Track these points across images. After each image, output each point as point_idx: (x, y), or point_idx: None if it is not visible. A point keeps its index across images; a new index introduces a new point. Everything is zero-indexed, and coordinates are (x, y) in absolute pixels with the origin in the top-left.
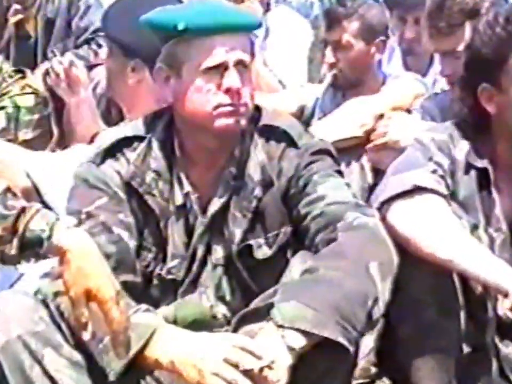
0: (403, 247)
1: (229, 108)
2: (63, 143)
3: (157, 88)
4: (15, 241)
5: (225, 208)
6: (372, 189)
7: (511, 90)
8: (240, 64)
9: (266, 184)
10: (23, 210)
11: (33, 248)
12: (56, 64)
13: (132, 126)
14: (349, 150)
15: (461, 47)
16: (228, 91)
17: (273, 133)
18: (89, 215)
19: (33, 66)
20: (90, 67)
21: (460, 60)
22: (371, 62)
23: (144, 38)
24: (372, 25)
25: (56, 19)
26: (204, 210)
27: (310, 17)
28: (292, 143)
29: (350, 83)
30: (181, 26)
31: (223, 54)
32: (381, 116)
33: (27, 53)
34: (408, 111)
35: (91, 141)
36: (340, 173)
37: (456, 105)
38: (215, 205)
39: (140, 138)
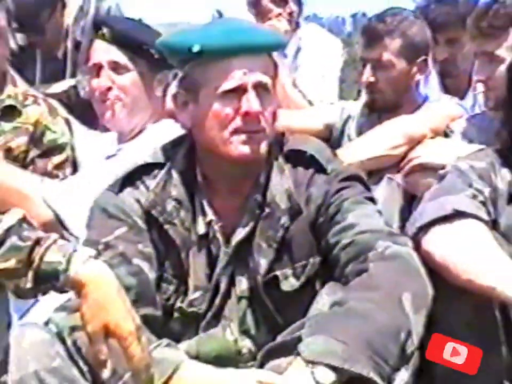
0: (439, 277)
1: (245, 135)
2: None
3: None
4: (30, 274)
5: (250, 237)
6: (405, 217)
7: None
8: (259, 86)
9: (294, 213)
10: (38, 241)
11: (49, 281)
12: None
13: (151, 153)
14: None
15: (500, 51)
16: (246, 115)
17: (300, 158)
18: (108, 246)
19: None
20: None
21: (497, 65)
22: (411, 83)
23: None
24: (414, 43)
25: (82, 39)
26: (227, 240)
27: (342, 35)
28: (320, 169)
29: (388, 105)
30: (195, 48)
31: (240, 76)
32: (419, 142)
33: (55, 76)
34: (446, 134)
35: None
36: (371, 199)
37: (503, 130)
38: (239, 234)
39: (159, 166)
